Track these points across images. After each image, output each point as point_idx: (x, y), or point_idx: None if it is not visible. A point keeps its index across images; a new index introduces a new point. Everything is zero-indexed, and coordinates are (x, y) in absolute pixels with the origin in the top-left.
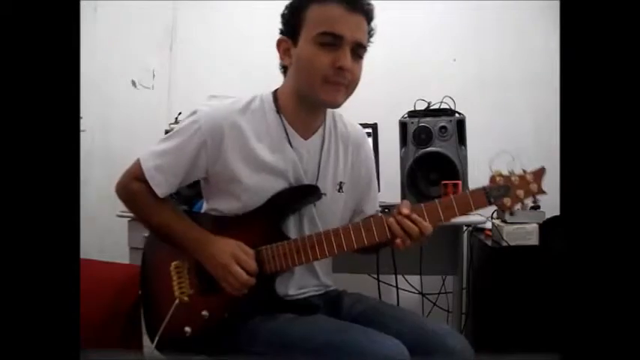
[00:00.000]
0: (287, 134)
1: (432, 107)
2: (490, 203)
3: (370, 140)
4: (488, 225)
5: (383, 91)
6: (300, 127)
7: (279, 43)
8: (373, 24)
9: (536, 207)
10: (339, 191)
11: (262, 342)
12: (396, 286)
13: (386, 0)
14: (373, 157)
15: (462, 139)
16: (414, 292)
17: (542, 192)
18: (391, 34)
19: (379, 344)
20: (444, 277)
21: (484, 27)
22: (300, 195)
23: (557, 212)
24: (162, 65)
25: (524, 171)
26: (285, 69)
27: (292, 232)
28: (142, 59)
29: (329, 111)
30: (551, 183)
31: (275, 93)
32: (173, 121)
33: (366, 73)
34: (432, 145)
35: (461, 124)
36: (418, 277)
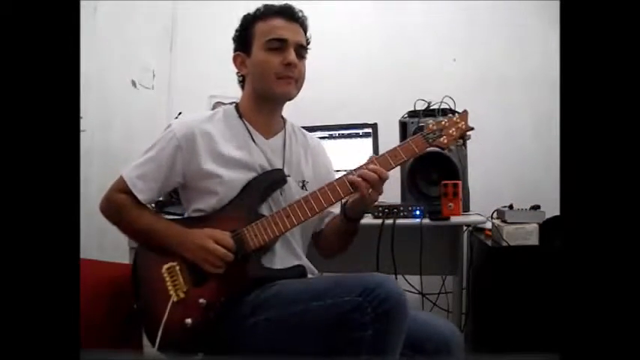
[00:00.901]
0: (250, 134)
1: (432, 107)
2: (430, 144)
3: (370, 140)
4: (488, 225)
5: (383, 91)
6: (261, 127)
7: (235, 58)
8: (308, 34)
9: (536, 207)
10: (302, 188)
11: (268, 307)
12: None
13: (386, 0)
14: (331, 161)
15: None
16: (414, 292)
17: (470, 128)
18: (391, 34)
19: (370, 276)
20: (444, 277)
21: (484, 27)
22: (267, 179)
23: (557, 212)
24: (162, 65)
25: (451, 116)
26: (242, 83)
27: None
28: (142, 59)
29: (288, 121)
30: (552, 183)
31: (236, 105)
32: None
33: (366, 73)
34: None
35: None
36: (418, 277)
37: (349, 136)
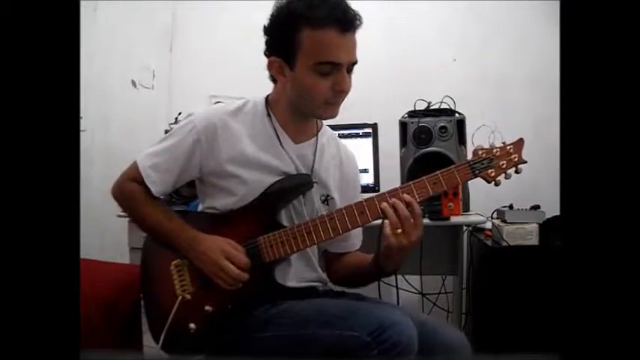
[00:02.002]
0: (278, 136)
1: (432, 107)
2: (475, 175)
3: (370, 140)
4: (489, 225)
5: (383, 91)
6: (291, 131)
7: (271, 63)
8: None
9: (536, 207)
10: (324, 203)
11: (277, 324)
12: (396, 286)
13: (387, 0)
14: (360, 178)
15: (461, 139)
16: (414, 292)
17: (523, 161)
18: (392, 34)
19: (387, 311)
20: (444, 277)
21: (484, 27)
22: (290, 184)
23: (557, 212)
24: (162, 65)
25: (504, 143)
26: (274, 78)
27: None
28: (142, 59)
29: (324, 128)
30: (552, 183)
31: (267, 98)
32: (173, 121)
33: (366, 73)
34: (432, 145)
35: (461, 124)
36: (418, 277)
37: (349, 136)
